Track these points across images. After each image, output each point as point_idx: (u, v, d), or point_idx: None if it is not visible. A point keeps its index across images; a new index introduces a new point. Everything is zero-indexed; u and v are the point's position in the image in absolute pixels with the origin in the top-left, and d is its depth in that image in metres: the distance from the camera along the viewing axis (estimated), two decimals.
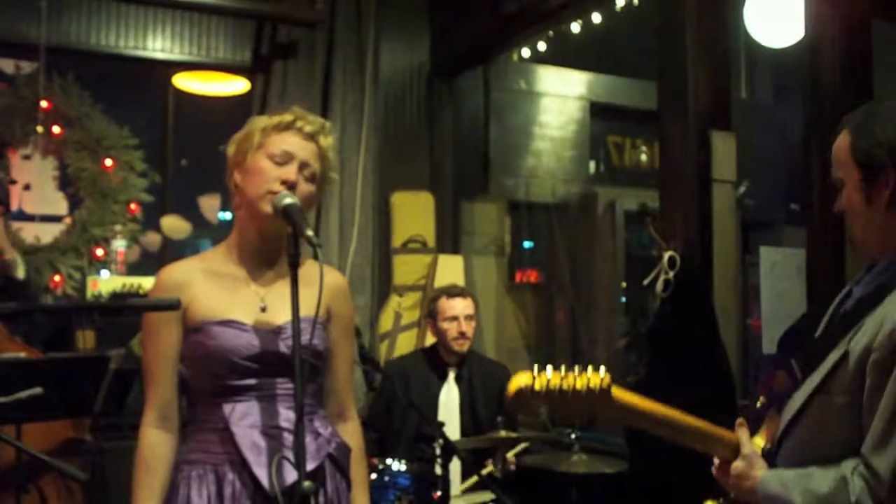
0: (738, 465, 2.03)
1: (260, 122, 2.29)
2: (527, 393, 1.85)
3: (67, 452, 3.62)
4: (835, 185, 2.02)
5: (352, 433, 2.43)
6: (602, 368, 1.90)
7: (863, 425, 1.86)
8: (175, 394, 2.26)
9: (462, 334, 4.24)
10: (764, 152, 6.48)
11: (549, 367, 1.86)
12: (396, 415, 4.22)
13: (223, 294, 2.24)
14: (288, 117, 2.28)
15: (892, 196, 1.89)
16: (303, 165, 2.24)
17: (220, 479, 2.15)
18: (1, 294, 3.52)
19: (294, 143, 2.25)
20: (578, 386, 1.87)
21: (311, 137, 2.28)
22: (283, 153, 2.22)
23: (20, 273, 3.66)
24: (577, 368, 1.88)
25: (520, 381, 1.86)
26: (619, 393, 1.93)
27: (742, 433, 2.06)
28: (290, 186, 2.20)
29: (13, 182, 4.96)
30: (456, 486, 4.01)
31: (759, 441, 2.10)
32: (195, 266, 2.29)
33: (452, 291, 4.37)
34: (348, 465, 2.34)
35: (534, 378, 1.85)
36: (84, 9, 5.52)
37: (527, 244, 7.12)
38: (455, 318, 4.25)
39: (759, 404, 2.13)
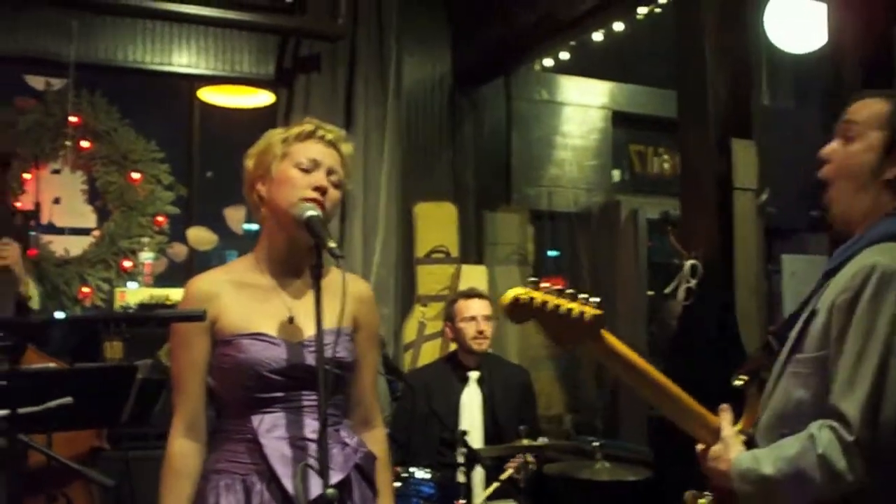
0: (715, 448, 2.03)
1: (278, 134, 2.32)
2: (520, 303, 1.85)
3: (90, 461, 3.67)
4: (839, 131, 2.01)
5: (377, 441, 2.44)
6: (596, 301, 1.91)
7: (830, 378, 1.86)
8: (203, 404, 2.28)
9: (480, 333, 4.27)
10: (787, 159, 6.46)
11: (547, 284, 1.87)
12: (419, 423, 4.24)
13: (252, 305, 2.26)
14: (309, 127, 2.30)
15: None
16: (330, 171, 2.27)
17: (249, 490, 2.16)
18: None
19: (319, 151, 2.27)
20: (572, 309, 1.88)
21: (333, 145, 2.31)
22: (309, 161, 2.25)
23: (35, 304, 3.70)
24: (572, 293, 1.90)
25: (515, 291, 1.86)
26: (608, 334, 1.94)
27: (725, 417, 2.06)
28: (322, 191, 2.23)
29: (25, 213, 5.00)
30: (479, 493, 4.03)
31: (741, 427, 2.09)
32: (223, 277, 2.31)
33: (469, 293, 4.41)
34: (374, 473, 2.35)
35: (528, 290, 1.86)
36: (112, 26, 5.61)
37: (551, 253, 7.13)
38: (473, 318, 4.28)
39: (737, 383, 2.12)
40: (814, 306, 1.95)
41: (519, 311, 1.86)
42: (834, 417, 1.81)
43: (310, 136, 2.29)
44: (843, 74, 3.51)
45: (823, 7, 3.75)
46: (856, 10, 3.54)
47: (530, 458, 4.03)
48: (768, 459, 1.89)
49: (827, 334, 1.89)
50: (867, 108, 1.98)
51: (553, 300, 1.87)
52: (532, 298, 1.85)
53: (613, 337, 1.96)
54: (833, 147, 2.02)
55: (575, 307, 1.89)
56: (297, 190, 2.22)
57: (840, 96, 3.53)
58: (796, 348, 1.98)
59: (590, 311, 1.90)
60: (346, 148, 2.34)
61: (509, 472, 4.01)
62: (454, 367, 4.39)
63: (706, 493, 2.15)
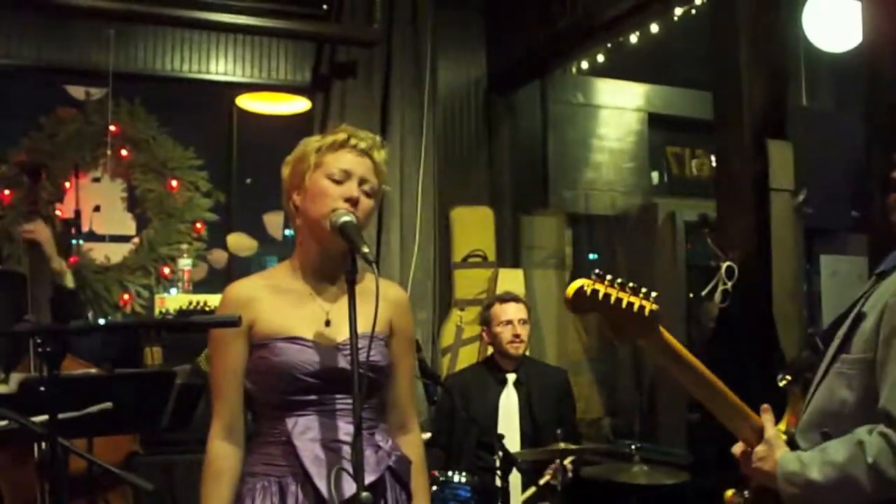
0: (759, 448, 2.03)
1: (313, 143, 2.33)
2: (582, 294, 1.85)
3: (127, 466, 3.71)
4: None
5: (413, 445, 2.46)
6: (654, 295, 1.91)
7: (877, 383, 1.85)
8: (241, 407, 2.31)
9: (516, 336, 4.28)
10: (826, 159, 6.39)
11: (609, 277, 1.88)
12: (458, 427, 4.26)
13: (288, 310, 2.28)
14: (341, 136, 2.31)
15: None
16: (362, 181, 2.28)
17: (284, 491, 2.19)
18: (52, 304, 3.61)
19: (351, 161, 2.29)
20: (633, 303, 1.89)
21: (366, 153, 2.32)
22: (341, 171, 2.27)
23: (69, 282, 3.75)
24: (634, 287, 1.90)
25: (579, 282, 1.87)
26: (664, 330, 1.94)
27: (766, 418, 2.05)
28: (354, 203, 2.24)
29: (66, 221, 5.09)
30: (516, 497, 4.03)
31: (783, 427, 2.09)
32: (261, 283, 2.34)
33: (505, 297, 4.42)
34: (409, 477, 2.36)
35: (593, 282, 1.86)
36: (150, 35, 5.68)
37: (591, 256, 7.11)
38: (509, 322, 4.29)
39: (782, 383, 2.12)
40: (862, 307, 1.96)
41: (582, 302, 1.87)
42: (885, 422, 1.80)
43: (343, 145, 2.30)
44: (880, 73, 3.47)
45: (859, 6, 3.71)
46: (890, 8, 3.50)
47: (568, 463, 4.02)
48: (815, 463, 1.89)
49: (876, 336, 1.89)
50: None
51: (616, 293, 1.88)
52: (596, 291, 1.86)
53: (668, 333, 1.97)
54: None
55: (636, 301, 1.89)
56: (328, 201, 2.24)
57: (876, 96, 3.50)
58: (843, 348, 1.98)
59: (649, 306, 1.91)
60: (380, 155, 2.35)
61: (547, 477, 4.02)
62: (492, 370, 4.41)
63: (746, 492, 2.15)
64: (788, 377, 2.14)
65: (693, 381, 2.02)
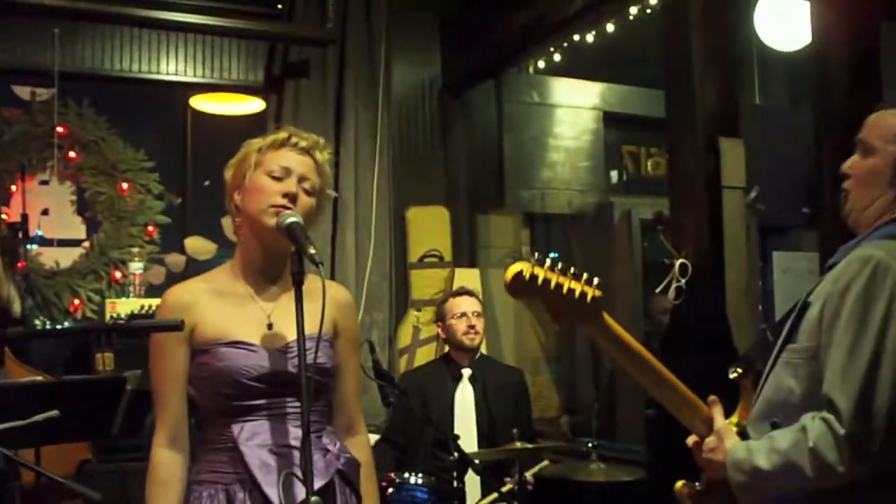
0: (710, 439, 2.04)
1: (254, 143, 2.31)
2: (521, 279, 1.83)
3: (78, 475, 3.66)
4: (858, 145, 2.07)
5: (361, 447, 2.44)
6: (597, 281, 1.91)
7: (822, 369, 1.88)
8: (185, 414, 2.27)
9: (471, 328, 4.27)
10: (779, 157, 6.45)
11: (549, 261, 1.86)
12: (414, 428, 4.24)
13: (230, 314, 2.25)
14: (282, 134, 2.30)
15: None
16: (301, 179, 2.26)
17: (231, 499, 2.16)
18: None
19: (291, 158, 2.27)
20: (574, 289, 1.88)
21: (307, 152, 2.30)
22: (281, 168, 2.24)
23: (16, 308, 3.69)
24: (576, 273, 1.89)
25: (518, 266, 1.85)
26: (608, 317, 1.94)
27: (716, 410, 2.07)
28: (292, 198, 2.22)
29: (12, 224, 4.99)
30: (473, 497, 4.01)
31: (735, 419, 2.11)
32: (201, 286, 2.31)
33: (458, 291, 4.43)
34: (358, 479, 2.34)
35: (532, 266, 1.84)
36: (97, 34, 5.60)
37: (552, 254, 7.11)
38: (463, 314, 4.29)
39: (732, 376, 2.13)
40: (808, 298, 1.99)
41: (521, 287, 1.84)
42: (826, 408, 1.82)
43: (283, 144, 2.29)
44: (829, 72, 3.50)
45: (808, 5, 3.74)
46: (839, 8, 3.53)
47: (530, 477, 4.01)
48: (762, 451, 1.90)
49: (820, 324, 1.91)
50: (882, 125, 2.05)
51: (556, 278, 1.86)
52: (535, 275, 1.84)
53: (613, 320, 1.96)
54: (852, 161, 2.08)
55: (577, 287, 1.88)
56: (267, 197, 2.21)
57: (826, 93, 3.53)
58: (789, 339, 2.01)
59: (591, 292, 1.90)
60: (322, 155, 2.34)
61: (508, 486, 4.01)
62: (447, 365, 4.40)
63: (697, 483, 2.16)
64: (739, 370, 2.15)
65: (641, 371, 2.02)
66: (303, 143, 2.30)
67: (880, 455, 1.79)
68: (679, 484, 2.19)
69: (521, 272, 1.83)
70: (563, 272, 1.88)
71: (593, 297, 1.90)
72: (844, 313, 1.86)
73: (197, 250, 5.87)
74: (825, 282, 1.97)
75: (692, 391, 2.13)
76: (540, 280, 1.85)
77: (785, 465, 1.85)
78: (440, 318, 4.41)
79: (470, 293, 4.41)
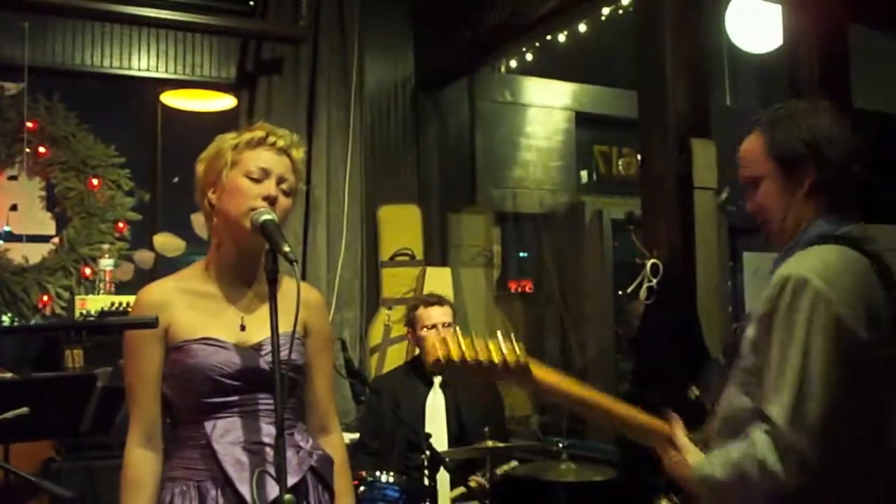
0: (674, 455, 2.10)
1: (229, 139, 2.29)
2: (443, 363, 1.91)
3: (44, 472, 3.63)
4: (745, 185, 2.13)
5: (335, 445, 2.44)
6: (518, 344, 1.97)
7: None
8: (159, 413, 2.26)
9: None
10: None
11: (467, 339, 1.92)
12: (386, 428, 4.24)
13: (203, 312, 2.25)
14: (260, 133, 2.28)
15: (811, 185, 2.04)
16: (280, 180, 2.26)
17: (203, 496, 2.15)
18: None
19: (269, 159, 2.26)
20: (496, 359, 1.94)
21: (284, 151, 2.29)
22: (259, 170, 2.23)
23: None
24: (497, 339, 1.95)
25: (435, 352, 1.91)
26: (537, 370, 2.00)
27: (675, 427, 2.12)
28: (272, 202, 2.21)
29: None
30: (445, 496, 4.02)
31: (701, 436, 2.16)
32: (174, 286, 2.30)
33: (429, 300, 4.40)
34: (331, 476, 2.34)
35: (448, 349, 1.91)
36: (67, 29, 5.55)
37: (519, 254, 7.13)
38: (433, 327, 4.28)
39: (693, 397, 2.18)
40: (749, 314, 2.09)
41: (445, 367, 1.92)
42: (765, 422, 1.89)
43: (261, 143, 2.27)
44: (799, 74, 3.53)
45: (780, 8, 3.78)
46: (810, 11, 3.57)
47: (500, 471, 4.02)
48: (718, 463, 1.98)
49: (755, 346, 2.00)
50: (750, 149, 2.12)
51: (475, 353, 1.93)
52: (451, 359, 1.91)
53: (541, 368, 2.03)
54: (750, 201, 2.14)
55: (496, 357, 1.95)
56: (246, 200, 2.20)
57: (797, 96, 3.56)
58: (735, 356, 2.09)
59: (513, 356, 1.96)
60: (298, 154, 2.33)
61: (477, 480, 4.03)
62: (419, 371, 4.39)
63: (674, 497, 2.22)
64: (696, 392, 2.21)
65: (589, 410, 2.10)
66: (281, 143, 2.28)
67: (819, 461, 1.85)
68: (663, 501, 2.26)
69: (440, 359, 1.91)
70: (483, 341, 1.94)
71: (516, 361, 1.96)
72: (773, 335, 1.93)
73: (166, 247, 5.83)
74: (765, 293, 2.01)
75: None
76: (461, 360, 1.91)
77: (738, 475, 1.91)
78: (410, 324, 4.41)
79: (441, 302, 4.39)
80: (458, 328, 1.92)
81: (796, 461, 1.84)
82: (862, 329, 1.90)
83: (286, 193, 2.27)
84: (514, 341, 1.96)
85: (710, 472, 1.98)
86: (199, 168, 2.31)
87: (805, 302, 1.89)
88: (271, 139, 2.28)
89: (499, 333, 1.97)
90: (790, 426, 1.85)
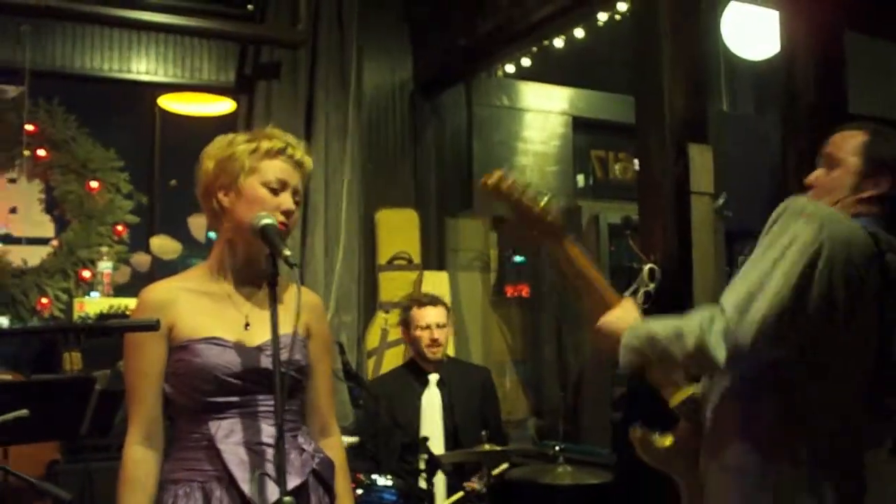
0: (618, 310, 2.29)
1: (243, 143, 2.30)
2: (493, 184, 2.21)
3: (47, 475, 3.64)
4: (818, 160, 2.29)
5: (335, 447, 2.46)
6: (557, 207, 2.27)
7: None
8: (160, 412, 2.26)
9: (434, 341, 4.31)
10: (746, 163, 6.53)
11: (522, 183, 2.23)
12: (383, 431, 4.25)
13: (208, 313, 2.26)
14: (279, 143, 2.31)
15: (874, 195, 2.20)
16: (294, 192, 2.30)
17: (208, 496, 2.16)
18: None
19: (286, 170, 2.29)
20: (538, 208, 2.22)
21: (300, 164, 2.33)
22: (278, 181, 2.26)
23: None
24: (544, 195, 2.25)
25: (491, 176, 2.24)
26: (566, 237, 2.28)
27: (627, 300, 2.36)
28: (289, 215, 2.26)
29: None
30: (441, 499, 4.04)
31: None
32: (178, 285, 2.31)
33: (423, 300, 4.43)
34: (332, 479, 2.36)
35: (503, 178, 2.21)
36: (68, 32, 5.57)
37: (518, 259, 7.14)
38: (427, 327, 4.32)
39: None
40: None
41: (492, 193, 2.21)
42: (718, 307, 2.03)
43: (280, 153, 2.30)
44: (795, 80, 3.56)
45: (776, 15, 3.80)
46: (807, 18, 3.60)
47: (497, 473, 4.04)
48: (660, 322, 2.13)
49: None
50: (846, 141, 2.25)
51: (521, 193, 2.22)
52: (501, 185, 2.22)
53: (570, 241, 2.30)
54: (817, 174, 2.29)
55: (546, 212, 2.24)
56: (265, 210, 2.23)
57: (793, 101, 3.59)
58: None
59: (553, 217, 2.24)
60: (310, 165, 2.38)
61: (473, 485, 4.04)
62: (414, 372, 4.42)
63: (667, 433, 2.28)
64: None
65: (585, 287, 2.31)
66: (297, 155, 2.32)
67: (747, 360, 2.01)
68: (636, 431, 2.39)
69: (497, 182, 2.22)
70: (534, 192, 2.24)
71: (555, 220, 2.24)
72: (760, 243, 2.09)
73: (162, 250, 5.85)
74: None
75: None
76: (506, 189, 2.22)
77: (674, 333, 2.06)
78: (404, 324, 4.43)
79: (434, 302, 4.41)
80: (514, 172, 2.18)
81: (731, 347, 1.97)
82: (838, 277, 2.02)
83: (297, 204, 2.31)
84: (555, 205, 2.25)
85: (649, 327, 2.13)
86: (208, 165, 2.32)
87: (800, 220, 2.04)
88: (290, 151, 2.31)
89: (548, 194, 2.26)
90: (734, 310, 1.99)
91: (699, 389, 2.28)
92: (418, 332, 4.33)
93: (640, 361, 2.18)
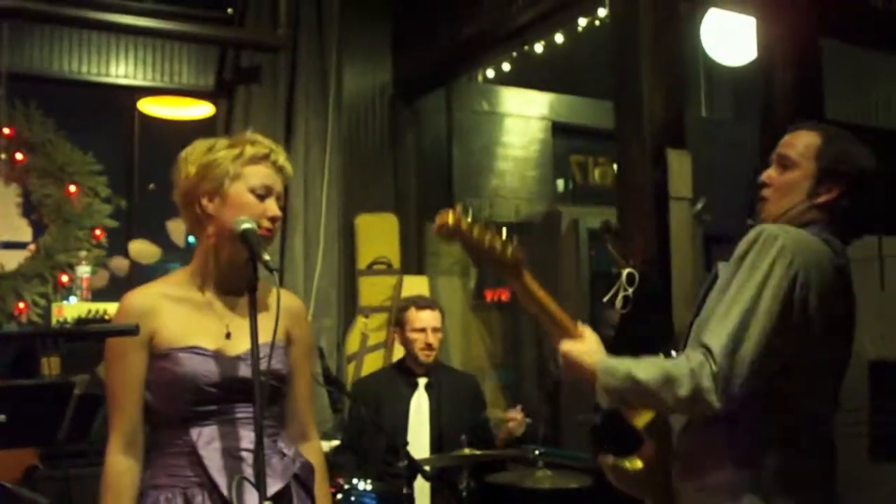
0: (583, 343, 2.24)
1: (226, 149, 2.29)
2: (449, 228, 2.08)
3: (25, 481, 3.61)
4: (777, 160, 2.27)
5: (314, 452, 2.46)
6: (516, 245, 2.16)
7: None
8: (141, 420, 2.25)
9: (428, 346, 4.30)
10: (725, 169, 6.57)
11: (476, 221, 2.11)
12: (367, 434, 4.25)
13: (189, 319, 2.26)
14: (263, 150, 2.31)
15: (827, 201, 2.19)
16: (278, 197, 2.31)
17: (190, 502, 2.16)
18: None
19: (270, 176, 2.30)
20: (497, 246, 2.12)
21: (282, 170, 2.33)
22: (263, 187, 2.27)
23: None
24: (500, 232, 2.14)
25: (445, 217, 2.08)
26: (526, 272, 2.20)
27: (585, 329, 2.30)
28: (275, 221, 2.26)
29: None
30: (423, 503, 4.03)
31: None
32: (160, 291, 2.30)
33: (420, 303, 4.42)
34: (313, 483, 2.37)
35: (458, 219, 2.07)
36: (45, 35, 5.54)
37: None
38: (423, 330, 4.31)
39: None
40: (715, 271, 2.23)
41: (446, 235, 2.10)
42: (703, 348, 2.00)
43: (264, 159, 2.30)
44: (773, 86, 3.59)
45: (755, 22, 3.84)
46: (784, 25, 3.63)
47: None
48: (640, 364, 2.07)
49: (725, 289, 2.11)
50: (805, 141, 2.23)
51: (478, 232, 2.10)
52: (458, 226, 2.08)
53: (530, 277, 2.22)
54: (770, 174, 2.27)
55: (498, 244, 2.13)
56: (252, 217, 2.23)
57: (771, 107, 3.62)
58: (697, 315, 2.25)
59: (510, 251, 2.15)
60: (290, 171, 2.38)
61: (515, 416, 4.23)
62: (403, 373, 4.41)
63: (634, 456, 2.28)
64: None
65: (546, 322, 2.27)
66: (280, 161, 2.33)
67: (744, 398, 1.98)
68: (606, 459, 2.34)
69: (448, 225, 2.08)
70: (490, 229, 2.13)
71: (514, 256, 2.15)
72: (737, 276, 2.05)
73: (141, 254, 5.82)
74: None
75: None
76: (467, 236, 2.09)
77: (662, 378, 2.00)
78: (399, 324, 4.41)
79: (432, 306, 4.41)
80: (461, 206, 2.09)
81: (724, 390, 1.95)
82: (813, 297, 2.03)
83: (280, 209, 2.32)
84: (513, 240, 2.15)
85: (629, 369, 2.07)
86: (189, 170, 2.30)
87: (772, 252, 2.03)
88: (273, 157, 2.31)
89: (503, 229, 2.16)
90: (723, 353, 1.96)
91: None
92: (413, 335, 4.32)
93: (619, 402, 2.15)
